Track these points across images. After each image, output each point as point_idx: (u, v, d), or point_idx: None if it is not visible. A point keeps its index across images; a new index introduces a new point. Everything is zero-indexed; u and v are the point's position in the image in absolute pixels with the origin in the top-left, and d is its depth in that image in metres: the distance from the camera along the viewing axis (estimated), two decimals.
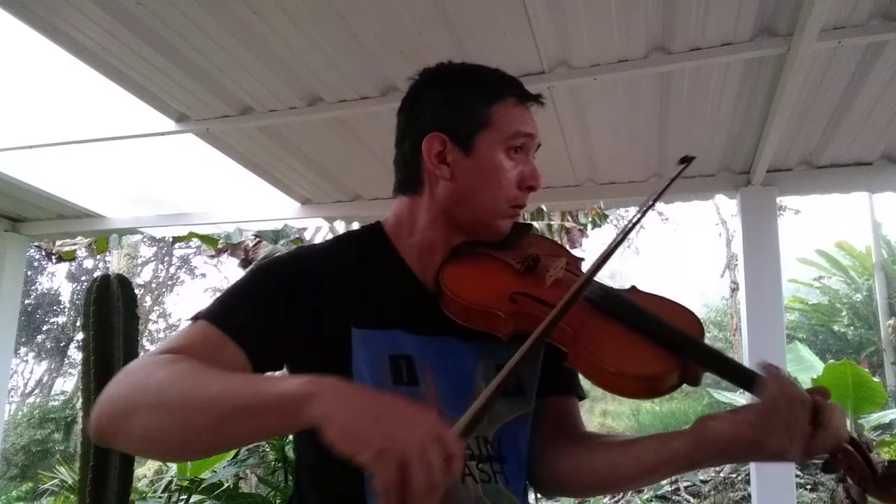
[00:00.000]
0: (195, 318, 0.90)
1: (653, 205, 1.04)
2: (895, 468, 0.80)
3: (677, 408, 10.96)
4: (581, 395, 1.09)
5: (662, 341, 0.87)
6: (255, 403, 0.72)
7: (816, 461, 0.80)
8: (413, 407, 0.69)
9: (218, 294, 0.96)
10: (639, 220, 1.02)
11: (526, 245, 1.04)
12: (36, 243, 4.56)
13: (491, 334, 0.93)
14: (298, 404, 0.68)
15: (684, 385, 0.87)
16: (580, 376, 1.02)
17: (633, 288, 0.99)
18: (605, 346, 0.86)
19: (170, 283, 17.07)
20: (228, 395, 0.73)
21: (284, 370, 0.98)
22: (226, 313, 0.90)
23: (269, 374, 0.82)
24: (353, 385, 0.72)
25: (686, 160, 1.04)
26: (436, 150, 0.99)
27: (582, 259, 1.05)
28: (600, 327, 0.89)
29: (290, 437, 3.03)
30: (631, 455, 0.92)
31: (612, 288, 0.97)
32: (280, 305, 0.92)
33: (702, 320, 0.93)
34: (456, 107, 1.00)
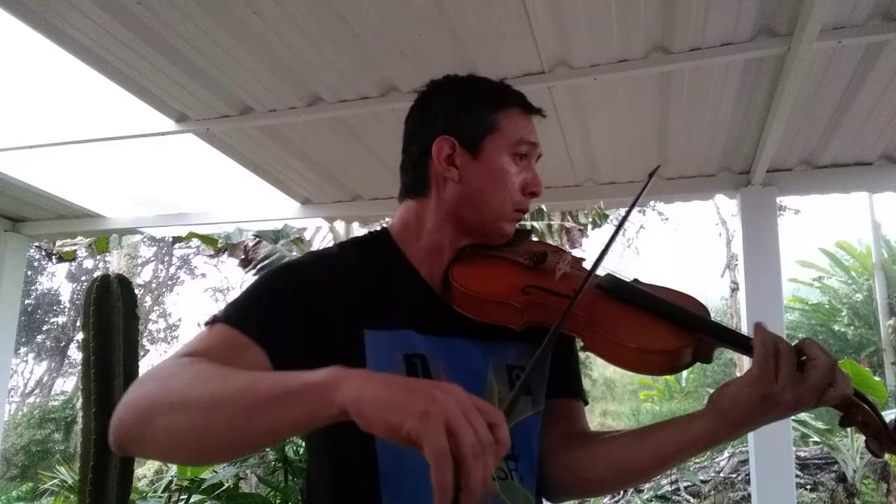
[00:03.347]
0: (212, 322, 0.89)
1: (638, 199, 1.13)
2: None
3: (677, 408, 10.96)
4: (585, 401, 1.12)
5: (675, 320, 0.93)
6: (282, 394, 0.69)
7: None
8: (442, 382, 0.67)
9: (229, 300, 0.96)
10: (629, 211, 1.11)
11: (528, 247, 1.07)
12: (36, 243, 4.55)
13: (500, 331, 0.96)
14: (327, 390, 0.67)
15: (698, 363, 0.92)
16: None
17: (636, 280, 1.03)
18: (623, 326, 0.92)
19: (170, 283, 17.08)
20: (254, 388, 0.71)
21: None
22: (244, 315, 0.90)
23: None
24: (378, 372, 0.71)
25: (654, 170, 1.15)
26: (445, 152, 1.03)
27: (583, 259, 1.09)
28: (615, 311, 0.95)
29: (288, 438, 3.05)
30: (650, 447, 0.94)
31: (620, 277, 1.02)
32: (295, 306, 0.92)
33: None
34: (464, 113, 1.04)
